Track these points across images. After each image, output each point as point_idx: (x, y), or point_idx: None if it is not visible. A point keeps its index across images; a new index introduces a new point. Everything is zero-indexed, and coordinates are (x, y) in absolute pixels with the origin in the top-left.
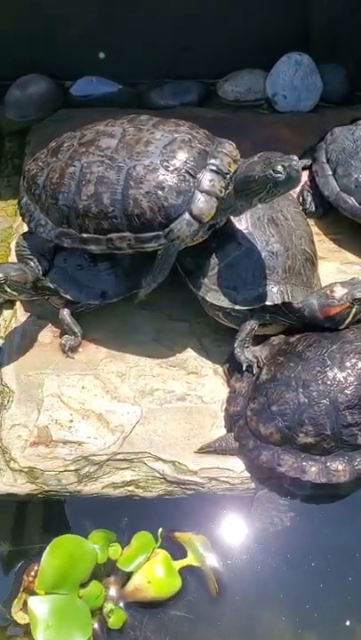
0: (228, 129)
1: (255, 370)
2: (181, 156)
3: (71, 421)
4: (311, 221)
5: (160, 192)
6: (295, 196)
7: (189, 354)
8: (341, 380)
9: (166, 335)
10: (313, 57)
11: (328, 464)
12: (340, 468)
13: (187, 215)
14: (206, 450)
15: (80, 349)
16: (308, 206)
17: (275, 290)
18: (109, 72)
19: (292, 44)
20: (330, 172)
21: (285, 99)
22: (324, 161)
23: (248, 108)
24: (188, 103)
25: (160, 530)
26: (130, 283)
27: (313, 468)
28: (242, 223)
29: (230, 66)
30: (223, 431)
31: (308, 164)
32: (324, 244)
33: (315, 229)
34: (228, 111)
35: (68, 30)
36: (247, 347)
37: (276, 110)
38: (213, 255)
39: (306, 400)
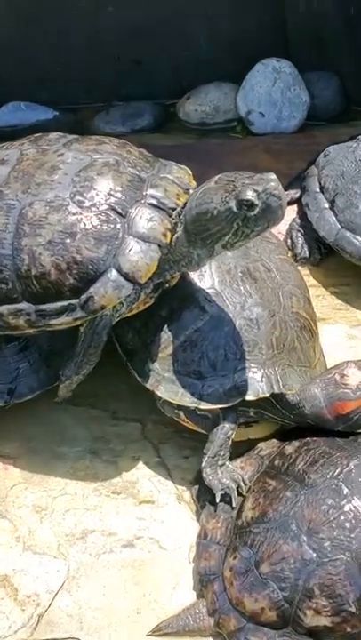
0: (190, 158)
1: (235, 501)
2: (103, 186)
3: None
4: (304, 271)
5: (69, 240)
6: (281, 237)
7: (142, 472)
8: None
9: (108, 444)
10: (295, 63)
11: None
12: None
13: (113, 273)
14: (166, 630)
15: None
16: (298, 251)
17: (258, 376)
18: (42, 96)
19: (269, 49)
20: (326, 205)
21: (263, 117)
22: (318, 190)
23: (217, 131)
24: (141, 129)
25: None
26: (51, 371)
27: None
28: (204, 279)
29: (192, 80)
30: (192, 596)
31: (297, 195)
32: (324, 301)
33: (310, 281)
34: (191, 137)
35: None
36: (221, 464)
37: (253, 132)
38: (165, 328)
39: (314, 554)
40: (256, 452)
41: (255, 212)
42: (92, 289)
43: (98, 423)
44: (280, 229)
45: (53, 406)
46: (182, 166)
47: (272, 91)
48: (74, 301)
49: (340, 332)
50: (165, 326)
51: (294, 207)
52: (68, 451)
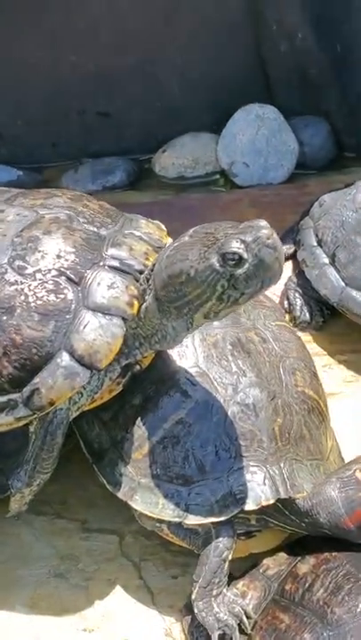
0: (169, 216)
1: None
2: (50, 247)
3: None
4: (306, 337)
5: (6, 317)
6: (276, 299)
7: (119, 599)
8: None
9: (77, 563)
10: (280, 108)
11: None
12: None
13: (65, 357)
14: None
15: None
16: (298, 314)
17: (259, 477)
18: (3, 155)
19: (249, 94)
20: (326, 260)
21: (248, 168)
22: (315, 244)
23: (198, 185)
24: (113, 186)
25: None
26: (2, 478)
27: None
28: (186, 356)
29: (167, 132)
30: None
31: (291, 251)
32: (331, 372)
33: (313, 349)
34: (169, 192)
35: None
36: (217, 594)
37: (237, 185)
38: (139, 421)
39: None
40: (261, 570)
41: (245, 269)
42: (36, 379)
43: (65, 537)
44: (274, 290)
45: (9, 518)
46: (153, 221)
47: (256, 139)
48: (14, 396)
49: (353, 410)
50: (139, 419)
51: (289, 264)
52: (28, 574)
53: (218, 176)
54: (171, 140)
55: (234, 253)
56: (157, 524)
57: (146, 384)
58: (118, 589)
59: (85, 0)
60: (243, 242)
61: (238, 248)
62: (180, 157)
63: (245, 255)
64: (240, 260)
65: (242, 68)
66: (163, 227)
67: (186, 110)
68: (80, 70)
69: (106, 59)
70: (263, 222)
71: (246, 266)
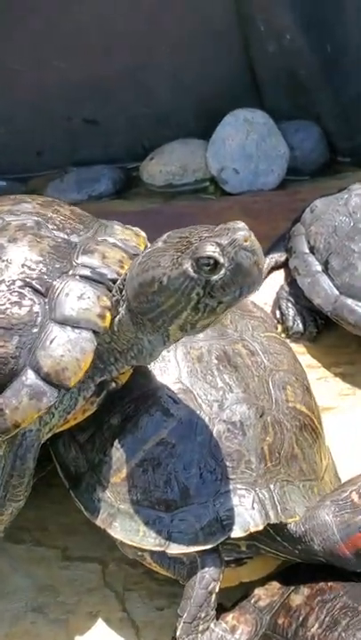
0: (157, 225)
1: None
2: (15, 256)
3: None
4: (299, 348)
5: None
6: (268, 309)
7: (101, 632)
8: None
9: (57, 596)
10: (270, 112)
11: None
12: None
13: (30, 375)
14: None
15: None
16: (290, 324)
17: (247, 501)
18: None
19: (238, 99)
20: (319, 268)
21: (238, 174)
22: (307, 251)
23: (187, 193)
24: (99, 195)
25: None
26: None
27: None
28: (168, 371)
29: (154, 139)
30: None
31: (283, 259)
32: (326, 386)
33: (306, 361)
34: (157, 201)
35: None
36: (203, 630)
37: (227, 191)
38: (117, 442)
39: None
40: (252, 601)
41: (221, 275)
42: (1, 400)
43: (44, 566)
44: (266, 300)
45: None
46: (130, 227)
47: (245, 144)
48: None
49: (350, 425)
50: (118, 440)
51: (281, 272)
52: (4, 609)
53: (207, 183)
54: (158, 147)
55: (209, 258)
56: (139, 553)
57: (124, 402)
58: (100, 623)
59: (71, 4)
60: (218, 245)
61: (213, 252)
62: (167, 164)
63: (221, 259)
64: (215, 265)
65: (231, 71)
66: (141, 233)
67: (174, 116)
68: (66, 76)
69: (92, 64)
70: (240, 224)
71: (223, 271)
